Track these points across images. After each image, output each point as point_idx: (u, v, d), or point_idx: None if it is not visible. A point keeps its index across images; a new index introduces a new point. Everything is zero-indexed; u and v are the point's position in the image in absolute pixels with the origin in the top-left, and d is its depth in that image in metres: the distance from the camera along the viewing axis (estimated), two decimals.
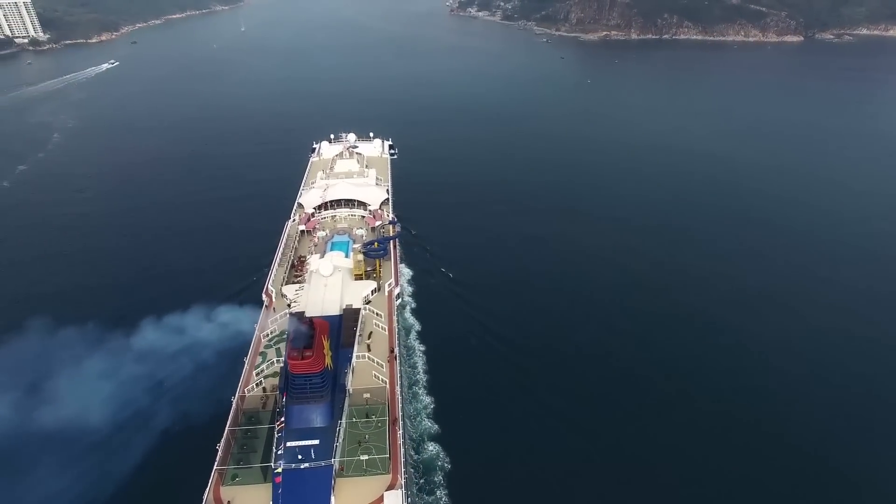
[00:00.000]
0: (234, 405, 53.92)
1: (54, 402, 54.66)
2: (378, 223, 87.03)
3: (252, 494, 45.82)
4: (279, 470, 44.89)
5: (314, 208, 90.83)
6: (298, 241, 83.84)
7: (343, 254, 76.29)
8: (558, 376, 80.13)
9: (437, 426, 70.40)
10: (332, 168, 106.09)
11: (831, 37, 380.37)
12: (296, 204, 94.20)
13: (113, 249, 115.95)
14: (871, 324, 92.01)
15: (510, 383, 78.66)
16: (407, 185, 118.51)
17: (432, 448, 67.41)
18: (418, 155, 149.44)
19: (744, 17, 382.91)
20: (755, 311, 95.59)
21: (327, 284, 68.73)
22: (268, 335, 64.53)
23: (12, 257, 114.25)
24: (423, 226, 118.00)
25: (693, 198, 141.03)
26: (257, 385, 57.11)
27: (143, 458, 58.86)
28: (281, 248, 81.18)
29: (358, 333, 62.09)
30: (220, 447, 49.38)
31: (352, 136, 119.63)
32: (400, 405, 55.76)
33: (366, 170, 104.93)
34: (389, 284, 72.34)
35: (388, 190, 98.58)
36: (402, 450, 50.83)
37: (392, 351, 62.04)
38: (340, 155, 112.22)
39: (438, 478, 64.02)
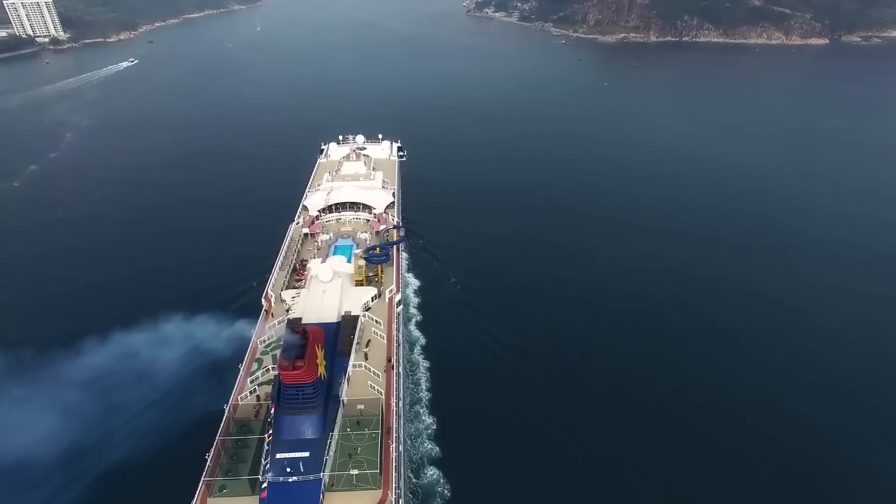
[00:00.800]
0: (225, 413, 52.38)
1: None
2: (382, 227, 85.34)
3: None
4: (265, 484, 43.60)
5: (319, 211, 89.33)
6: (301, 245, 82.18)
7: (345, 258, 74.71)
8: (577, 403, 72.94)
9: (438, 449, 66.98)
10: (338, 170, 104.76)
11: (858, 39, 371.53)
12: (300, 206, 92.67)
13: (114, 251, 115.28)
14: None
15: (520, 405, 73.16)
16: (416, 188, 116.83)
17: (432, 473, 64.21)
18: (429, 157, 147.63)
19: (766, 20, 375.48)
20: (779, 327, 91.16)
21: (326, 290, 66.88)
22: (265, 341, 62.98)
23: (11, 257, 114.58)
24: (432, 231, 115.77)
25: (714, 204, 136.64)
26: (251, 393, 55.65)
27: (131, 467, 58.10)
28: (283, 252, 79.40)
29: (356, 341, 60.55)
30: (210, 457, 47.96)
31: (360, 138, 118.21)
32: (395, 417, 53.90)
33: (373, 172, 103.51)
34: (390, 291, 70.25)
35: (394, 193, 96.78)
36: (395, 465, 49.05)
37: (390, 360, 60.27)
38: (347, 157, 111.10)
39: None
